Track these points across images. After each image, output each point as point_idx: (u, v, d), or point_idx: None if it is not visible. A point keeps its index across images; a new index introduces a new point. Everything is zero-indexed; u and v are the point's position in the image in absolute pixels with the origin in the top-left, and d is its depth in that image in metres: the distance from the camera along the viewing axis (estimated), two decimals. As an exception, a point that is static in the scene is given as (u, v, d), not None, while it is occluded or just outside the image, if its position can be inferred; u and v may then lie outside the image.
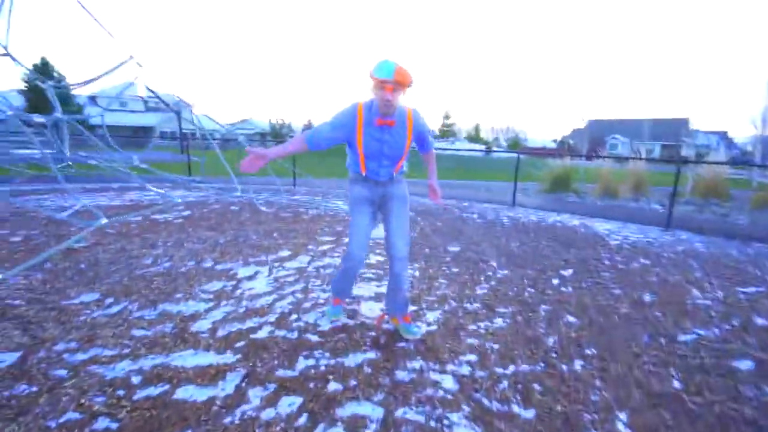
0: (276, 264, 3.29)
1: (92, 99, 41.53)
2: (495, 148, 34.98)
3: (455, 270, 3.40)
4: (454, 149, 26.91)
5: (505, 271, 3.43)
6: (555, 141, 64.31)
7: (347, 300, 2.61)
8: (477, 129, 58.25)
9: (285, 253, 3.58)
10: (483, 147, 35.81)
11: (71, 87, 2.87)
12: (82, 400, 1.59)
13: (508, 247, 4.24)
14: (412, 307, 2.55)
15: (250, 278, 2.98)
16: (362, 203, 2.15)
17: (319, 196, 7.32)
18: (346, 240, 3.89)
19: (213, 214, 5.06)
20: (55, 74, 32.44)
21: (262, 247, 3.74)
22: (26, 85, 31.78)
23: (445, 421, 1.58)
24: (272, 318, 2.38)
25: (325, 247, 3.84)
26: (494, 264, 3.62)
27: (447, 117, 53.54)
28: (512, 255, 3.92)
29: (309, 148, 2.06)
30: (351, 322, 2.36)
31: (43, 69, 32.15)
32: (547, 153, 19.24)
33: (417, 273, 3.29)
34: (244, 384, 1.75)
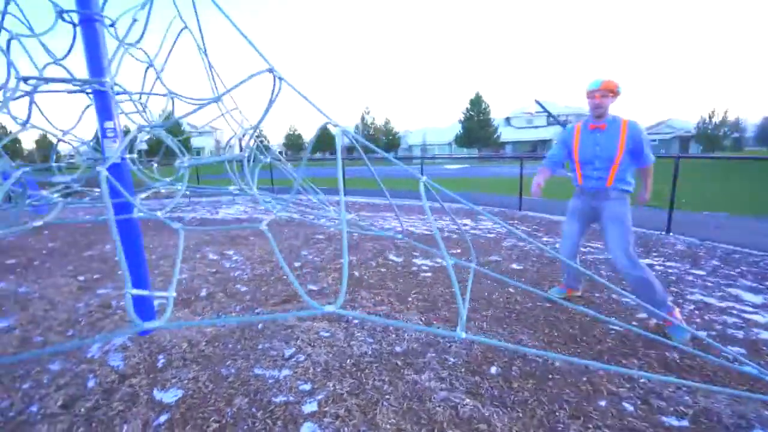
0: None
1: (507, 120, 49.37)
2: None
3: None
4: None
5: None
6: None
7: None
8: None
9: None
10: None
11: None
12: None
13: None
14: None
15: None
16: (573, 214, 2.62)
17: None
18: None
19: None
20: (482, 104, 41.06)
21: None
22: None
23: None
24: None
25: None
26: None
27: None
28: None
29: (550, 170, 2.65)
30: None
31: (477, 101, 41.59)
32: None
33: None
34: None
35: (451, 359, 2.12)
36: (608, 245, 2.39)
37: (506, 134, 45.45)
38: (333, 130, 1.61)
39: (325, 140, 44.41)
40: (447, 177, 16.34)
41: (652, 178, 2.49)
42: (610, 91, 2.33)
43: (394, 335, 2.42)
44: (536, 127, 46.99)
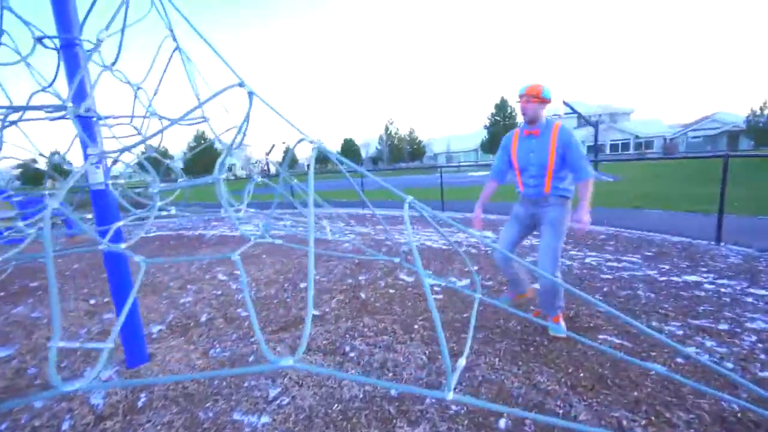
0: None
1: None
2: None
3: None
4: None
5: None
6: None
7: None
8: None
9: None
10: None
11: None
12: None
13: None
14: None
15: None
16: (514, 219, 2.59)
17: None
18: None
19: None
20: (508, 109, 40.04)
21: None
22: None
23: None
24: None
25: None
26: None
27: None
28: None
29: (496, 181, 2.71)
30: None
31: (502, 106, 40.69)
32: None
33: None
34: None
35: (453, 407, 1.82)
36: (540, 247, 2.43)
37: (535, 138, 44.05)
38: (309, 145, 1.43)
39: (349, 152, 44.93)
40: (471, 185, 15.82)
41: (591, 196, 2.30)
42: (534, 97, 2.34)
43: (390, 374, 2.14)
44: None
